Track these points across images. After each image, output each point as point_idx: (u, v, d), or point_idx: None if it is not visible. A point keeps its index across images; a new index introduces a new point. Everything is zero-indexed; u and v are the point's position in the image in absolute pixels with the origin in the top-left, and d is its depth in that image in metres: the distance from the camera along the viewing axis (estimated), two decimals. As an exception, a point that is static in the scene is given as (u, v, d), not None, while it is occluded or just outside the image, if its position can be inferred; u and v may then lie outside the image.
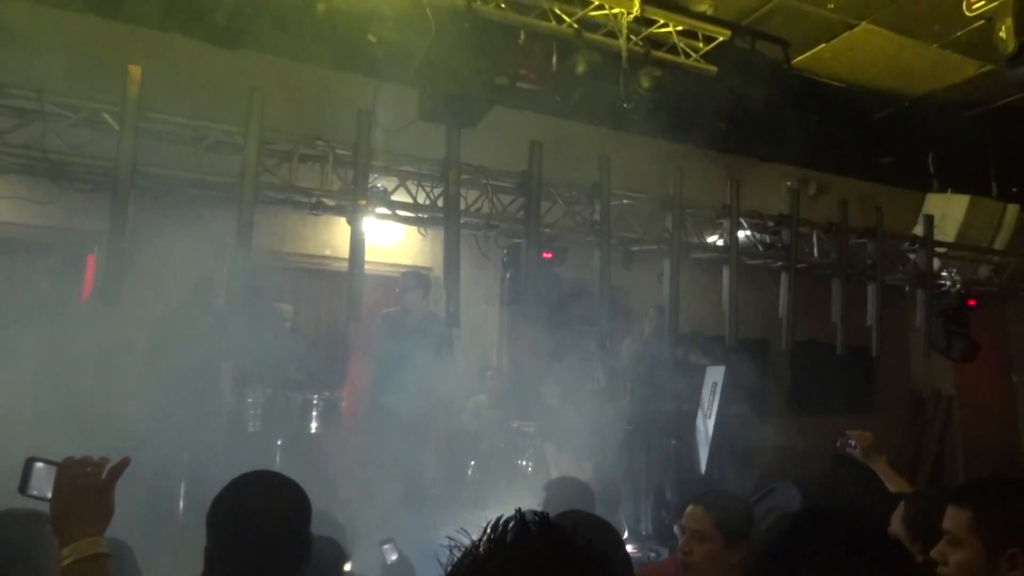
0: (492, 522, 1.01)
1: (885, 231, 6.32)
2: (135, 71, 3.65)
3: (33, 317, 4.56)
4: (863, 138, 6.91)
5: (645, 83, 4.77)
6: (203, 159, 4.09)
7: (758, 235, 6.06)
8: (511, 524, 0.97)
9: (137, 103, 3.69)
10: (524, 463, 6.31)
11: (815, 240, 6.20)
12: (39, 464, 1.66)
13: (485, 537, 0.98)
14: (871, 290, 6.21)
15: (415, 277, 5.54)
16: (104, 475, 1.64)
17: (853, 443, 2.99)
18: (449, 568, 0.98)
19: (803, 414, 7.53)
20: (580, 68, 4.43)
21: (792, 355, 6.98)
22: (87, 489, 1.60)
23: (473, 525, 1.05)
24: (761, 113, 6.12)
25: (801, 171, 7.42)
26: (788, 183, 6.64)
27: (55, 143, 3.97)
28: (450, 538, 1.02)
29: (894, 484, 3.11)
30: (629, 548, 5.63)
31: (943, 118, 6.34)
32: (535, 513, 1.02)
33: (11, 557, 1.74)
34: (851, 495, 4.12)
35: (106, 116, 3.76)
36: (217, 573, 1.55)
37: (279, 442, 5.13)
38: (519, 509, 1.02)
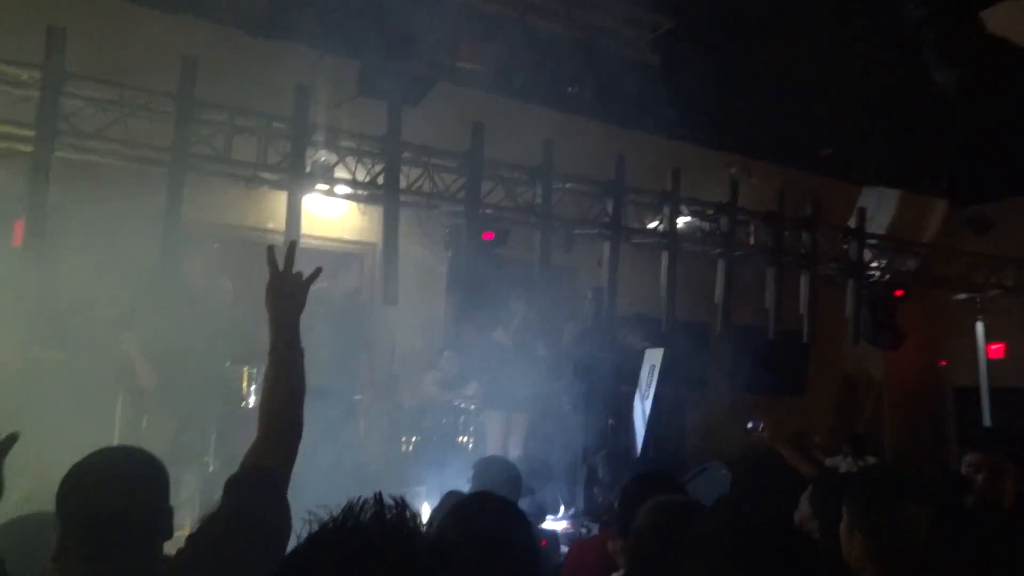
0: (351, 501, 1.02)
1: (821, 221, 6.49)
2: (56, 32, 3.48)
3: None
4: (804, 130, 7.07)
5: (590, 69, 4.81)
6: (132, 127, 3.97)
7: (699, 221, 6.16)
8: (365, 506, 0.99)
9: (60, 67, 3.55)
10: (464, 439, 6.39)
11: (753, 228, 6.34)
12: None
13: (341, 515, 1.00)
14: (804, 278, 6.39)
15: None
16: None
17: (760, 427, 3.11)
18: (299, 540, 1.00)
19: (742, 396, 7.78)
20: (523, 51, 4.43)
21: (732, 339, 7.16)
22: None
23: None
24: (705, 102, 6.21)
25: (744, 160, 7.56)
26: (731, 171, 6.75)
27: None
28: (310, 512, 1.03)
29: (803, 468, 3.26)
30: (563, 524, 5.80)
31: (879, 114, 6.52)
32: (394, 499, 1.03)
33: None
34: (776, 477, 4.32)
35: (25, 78, 3.61)
36: (72, 555, 1.51)
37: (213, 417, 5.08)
38: (378, 492, 1.03)
